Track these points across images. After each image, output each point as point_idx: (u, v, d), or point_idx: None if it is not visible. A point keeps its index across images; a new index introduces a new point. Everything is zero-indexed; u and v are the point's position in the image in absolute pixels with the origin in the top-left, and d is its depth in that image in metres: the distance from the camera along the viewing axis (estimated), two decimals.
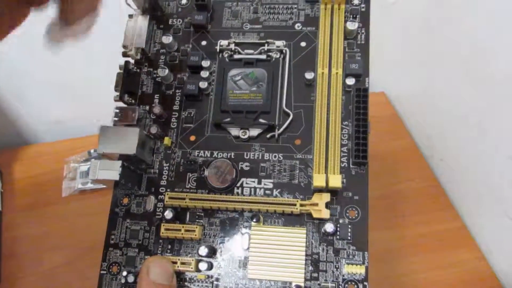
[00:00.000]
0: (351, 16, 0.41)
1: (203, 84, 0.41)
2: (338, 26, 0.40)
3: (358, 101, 0.38)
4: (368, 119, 0.37)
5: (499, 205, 0.62)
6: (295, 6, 0.43)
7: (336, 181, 0.35)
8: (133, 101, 0.42)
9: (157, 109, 0.40)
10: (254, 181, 0.38)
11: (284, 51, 0.41)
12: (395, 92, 0.86)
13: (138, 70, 0.43)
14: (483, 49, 0.60)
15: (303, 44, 0.42)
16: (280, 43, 0.41)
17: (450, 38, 0.66)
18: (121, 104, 0.41)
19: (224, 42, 0.42)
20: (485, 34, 0.59)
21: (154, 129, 0.40)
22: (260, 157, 0.39)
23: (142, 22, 0.43)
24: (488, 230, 0.66)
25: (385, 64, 0.83)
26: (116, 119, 0.40)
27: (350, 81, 0.39)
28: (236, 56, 0.41)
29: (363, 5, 0.42)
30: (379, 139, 0.78)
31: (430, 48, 0.72)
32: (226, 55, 0.42)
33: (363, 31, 0.41)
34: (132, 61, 0.43)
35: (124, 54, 0.42)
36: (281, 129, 0.39)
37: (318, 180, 0.36)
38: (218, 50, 0.42)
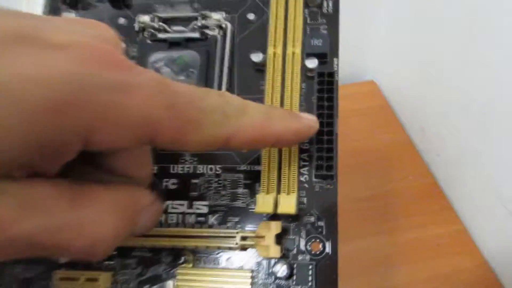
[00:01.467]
0: None
1: None
2: None
3: (321, 89, 0.26)
4: (335, 114, 0.25)
5: (503, 206, 0.52)
6: None
7: (287, 204, 0.23)
8: None
9: None
10: (182, 205, 0.26)
11: (224, 26, 0.29)
12: (387, 80, 0.75)
13: None
14: (485, 32, 0.48)
15: (250, 16, 0.29)
16: (218, 15, 0.29)
17: (447, 19, 0.56)
18: None
19: (144, 18, 0.30)
20: (487, 14, 0.47)
21: None
22: (191, 171, 0.27)
23: None
24: (491, 234, 0.56)
25: (375, 50, 0.72)
26: None
27: (312, 63, 0.27)
28: (161, 36, 0.29)
29: None
30: (368, 132, 0.67)
31: (425, 31, 0.62)
32: (148, 35, 0.29)
33: None
34: None
35: None
36: None
37: (262, 204, 0.23)
38: (137, 29, 0.29)
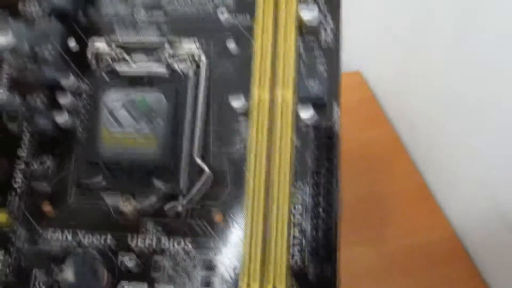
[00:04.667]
0: None
1: (61, 118, 0.22)
2: (287, 13, 0.21)
3: (318, 145, 0.19)
4: (336, 179, 0.19)
5: (498, 212, 0.46)
6: None
7: None
8: None
9: None
10: None
11: (198, 58, 0.22)
12: (373, 71, 0.68)
13: None
14: (480, 12, 0.42)
15: (231, 45, 0.23)
16: (191, 44, 0.22)
17: (438, 9, 0.49)
18: None
19: (100, 44, 0.23)
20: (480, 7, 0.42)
21: None
22: (154, 245, 0.21)
23: None
24: (485, 243, 0.50)
25: (361, 37, 0.65)
26: None
27: (306, 112, 0.20)
28: (119, 68, 0.22)
29: None
30: (352, 128, 0.60)
31: (414, 21, 0.55)
32: (104, 66, 0.23)
33: (329, 21, 0.22)
34: None
35: None
36: (190, 196, 0.21)
37: None
38: (89, 56, 0.23)
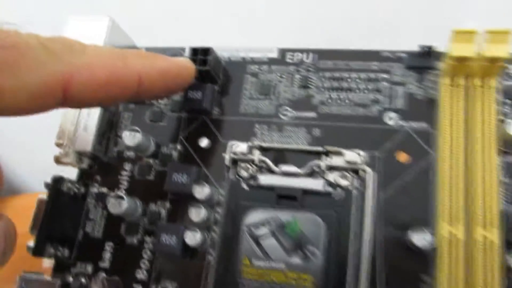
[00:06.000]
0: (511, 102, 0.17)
1: (192, 238, 0.17)
2: (484, 125, 0.16)
3: None
4: None
5: None
6: (385, 76, 0.19)
7: None
8: (65, 253, 0.19)
9: None
10: None
11: (363, 174, 0.17)
12: None
13: (80, 191, 0.20)
14: None
15: (403, 158, 0.18)
16: (354, 155, 0.17)
17: None
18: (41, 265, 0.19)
19: (240, 147, 0.19)
20: None
21: None
22: None
23: None
24: None
25: None
26: None
27: None
28: (263, 180, 0.18)
29: None
30: None
31: None
32: (243, 175, 0.18)
33: None
34: (71, 173, 0.20)
35: (57, 160, 0.20)
36: None
37: None
38: (228, 163, 0.19)
